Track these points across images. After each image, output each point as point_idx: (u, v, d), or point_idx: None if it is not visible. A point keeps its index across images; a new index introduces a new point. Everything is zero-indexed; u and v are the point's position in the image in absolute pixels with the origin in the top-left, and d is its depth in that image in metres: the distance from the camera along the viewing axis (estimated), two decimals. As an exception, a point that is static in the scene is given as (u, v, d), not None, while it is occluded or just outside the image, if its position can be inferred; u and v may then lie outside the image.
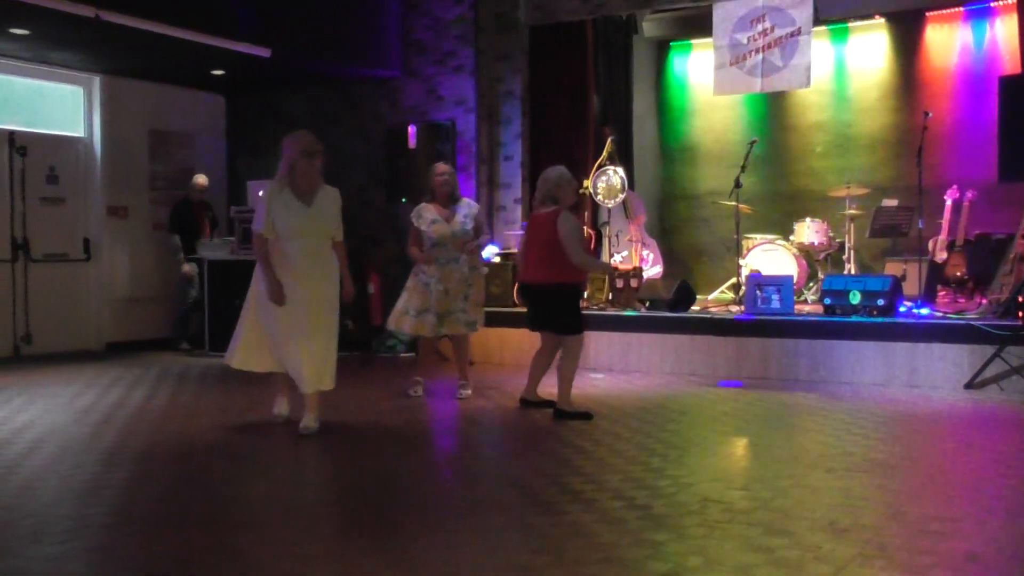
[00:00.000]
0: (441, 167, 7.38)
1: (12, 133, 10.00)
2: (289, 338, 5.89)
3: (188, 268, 10.46)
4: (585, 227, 10.21)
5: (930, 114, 8.95)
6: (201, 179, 10.80)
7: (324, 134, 11.42)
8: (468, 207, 7.30)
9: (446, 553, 3.72)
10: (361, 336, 10.28)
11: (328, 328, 5.99)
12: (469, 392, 7.43)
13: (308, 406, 6.04)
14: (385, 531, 4.02)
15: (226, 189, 11.92)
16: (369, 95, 11.22)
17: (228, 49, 9.32)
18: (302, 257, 5.88)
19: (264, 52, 9.52)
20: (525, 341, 9.38)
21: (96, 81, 10.67)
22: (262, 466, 5.36)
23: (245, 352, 6.20)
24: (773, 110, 11.53)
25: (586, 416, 6.42)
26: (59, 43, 9.24)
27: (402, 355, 9.99)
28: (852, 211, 9.74)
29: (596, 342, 9.02)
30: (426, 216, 7.23)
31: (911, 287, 8.80)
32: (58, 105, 10.53)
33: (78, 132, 10.69)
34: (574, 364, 6.64)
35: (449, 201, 7.25)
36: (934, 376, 7.66)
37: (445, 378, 7.85)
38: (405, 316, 7.24)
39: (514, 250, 10.29)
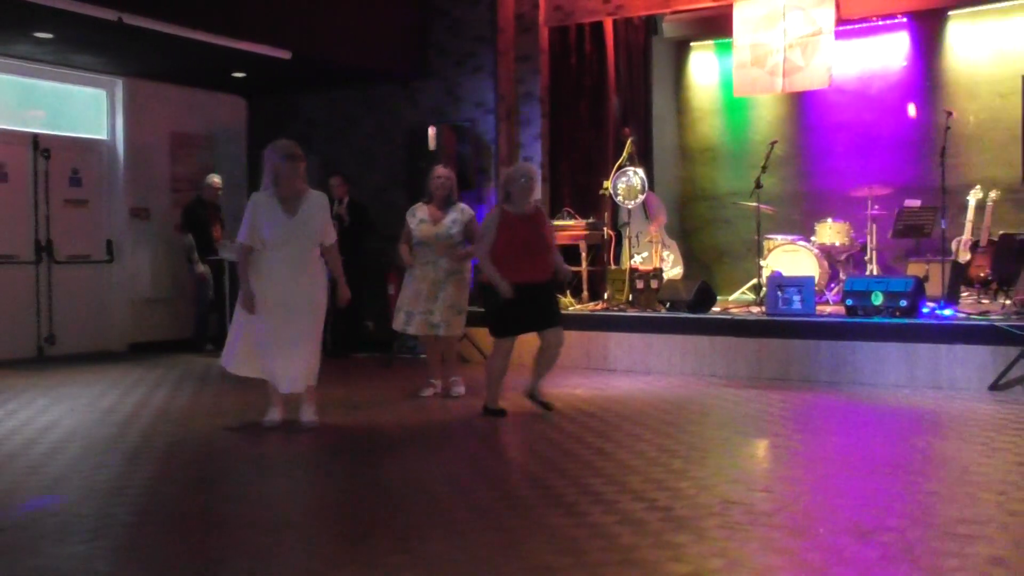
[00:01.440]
0: (440, 170, 7.48)
1: (36, 136, 10.09)
2: (279, 344, 6.01)
3: (203, 270, 10.48)
4: (606, 228, 10.19)
5: (953, 114, 8.89)
6: (215, 179, 10.86)
7: (345, 136, 11.60)
8: (460, 212, 7.35)
9: (467, 553, 3.72)
10: (381, 337, 10.31)
11: (313, 331, 6.15)
12: (461, 390, 7.48)
13: (307, 400, 6.25)
14: (405, 531, 4.02)
15: (247, 191, 11.98)
16: (389, 96, 11.25)
17: (249, 51, 9.37)
18: (287, 265, 5.99)
19: (284, 54, 9.57)
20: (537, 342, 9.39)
21: (118, 84, 10.75)
22: (283, 466, 5.38)
23: (244, 357, 6.24)
24: (794, 110, 11.47)
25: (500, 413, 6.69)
26: (82, 46, 9.31)
27: (422, 356, 9.99)
28: (874, 211, 9.68)
29: (616, 343, 9.02)
30: (417, 215, 7.40)
31: (934, 288, 8.73)
32: (81, 108, 10.63)
33: (101, 135, 10.78)
34: (491, 363, 6.79)
35: (444, 204, 7.36)
36: (957, 377, 7.60)
37: (463, 379, 7.84)
38: (396, 312, 7.50)
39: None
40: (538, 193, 10.65)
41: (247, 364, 6.24)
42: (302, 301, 6.01)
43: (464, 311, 7.41)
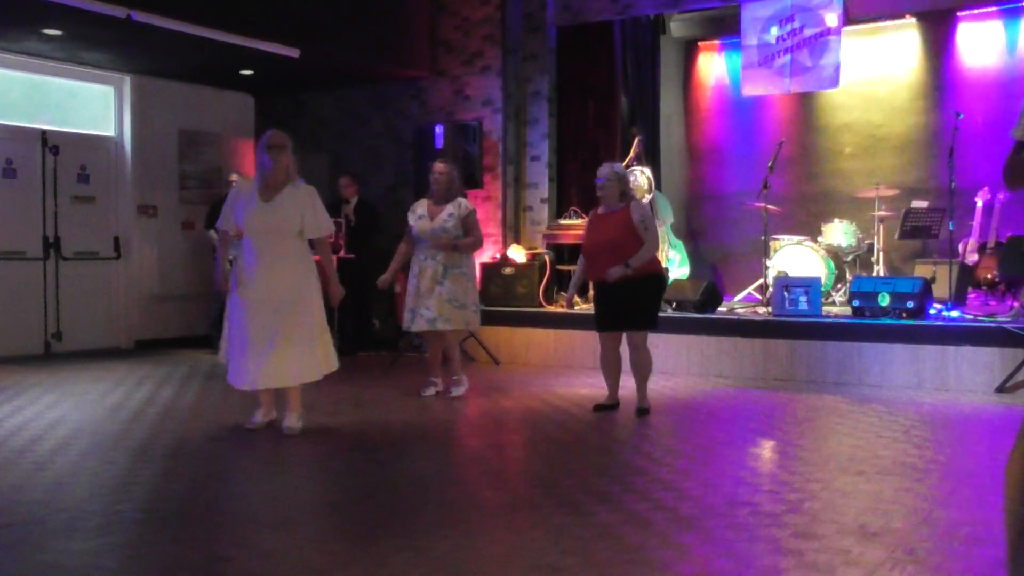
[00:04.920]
0: (438, 165, 7.47)
1: (44, 132, 10.11)
2: (253, 338, 5.82)
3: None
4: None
5: (962, 115, 8.87)
6: (235, 177, 10.88)
7: (353, 134, 11.62)
8: (458, 207, 7.34)
9: (473, 553, 3.72)
10: (387, 336, 10.32)
11: (292, 329, 5.81)
12: (461, 391, 7.47)
13: (290, 406, 6.01)
14: (412, 530, 4.02)
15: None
16: (398, 95, 11.25)
17: (257, 49, 9.38)
18: (262, 255, 5.83)
19: (293, 52, 9.58)
20: (550, 342, 9.41)
21: (127, 81, 10.77)
22: (289, 464, 5.39)
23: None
24: (802, 111, 11.45)
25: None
26: (90, 43, 9.33)
27: (426, 355, 9.99)
28: (881, 212, 9.66)
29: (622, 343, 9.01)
30: (416, 211, 7.45)
31: (941, 289, 8.72)
32: (89, 105, 10.64)
33: (109, 132, 10.80)
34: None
35: (443, 199, 7.37)
36: (964, 379, 7.59)
37: (469, 378, 7.85)
38: (404, 312, 7.51)
39: (541, 250, 10.29)
40: (545, 192, 10.70)
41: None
42: (277, 295, 5.79)
43: (467, 306, 7.35)
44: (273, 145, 5.85)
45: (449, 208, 7.32)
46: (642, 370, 6.70)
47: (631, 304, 6.57)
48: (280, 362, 5.84)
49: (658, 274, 6.69)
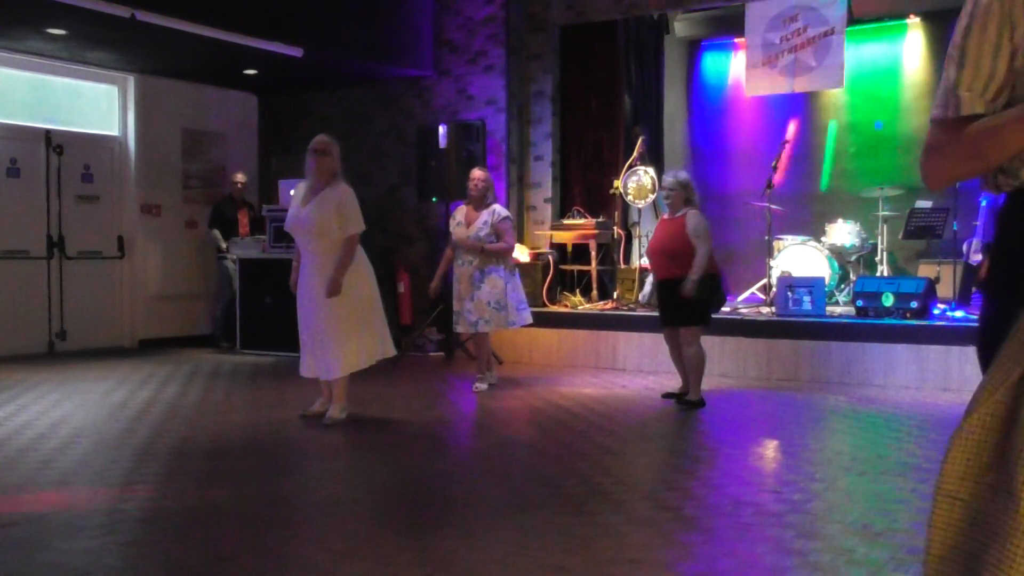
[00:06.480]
0: (476, 172, 7.72)
1: (48, 132, 10.12)
2: (302, 331, 6.33)
3: (231, 259, 10.54)
4: (616, 227, 10.21)
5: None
6: (239, 176, 10.91)
7: (356, 133, 11.63)
8: (492, 214, 7.56)
9: (476, 552, 3.72)
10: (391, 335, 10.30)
11: (326, 324, 6.14)
12: (483, 387, 7.70)
13: (332, 396, 6.36)
14: (416, 529, 4.02)
15: (258, 188, 12.01)
16: (401, 94, 11.25)
17: (260, 49, 9.39)
18: (306, 255, 6.22)
19: (296, 52, 9.58)
20: (553, 342, 9.42)
21: (130, 80, 10.78)
22: (293, 463, 5.39)
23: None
24: (806, 110, 11.44)
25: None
26: (95, 43, 9.34)
27: (431, 354, 10.02)
28: (885, 212, 9.65)
29: (626, 343, 9.02)
30: (456, 217, 7.72)
31: (945, 289, 8.71)
32: (93, 104, 10.65)
33: (113, 131, 10.81)
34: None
35: (479, 205, 7.58)
36: (968, 379, 7.56)
37: (472, 377, 7.86)
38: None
39: (544, 250, 10.30)
40: (548, 192, 10.69)
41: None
42: (313, 292, 6.14)
43: (507, 307, 7.52)
44: (316, 149, 6.17)
45: (484, 215, 7.54)
46: (692, 365, 6.90)
47: (682, 301, 6.81)
48: (317, 355, 6.23)
49: (712, 274, 6.87)
